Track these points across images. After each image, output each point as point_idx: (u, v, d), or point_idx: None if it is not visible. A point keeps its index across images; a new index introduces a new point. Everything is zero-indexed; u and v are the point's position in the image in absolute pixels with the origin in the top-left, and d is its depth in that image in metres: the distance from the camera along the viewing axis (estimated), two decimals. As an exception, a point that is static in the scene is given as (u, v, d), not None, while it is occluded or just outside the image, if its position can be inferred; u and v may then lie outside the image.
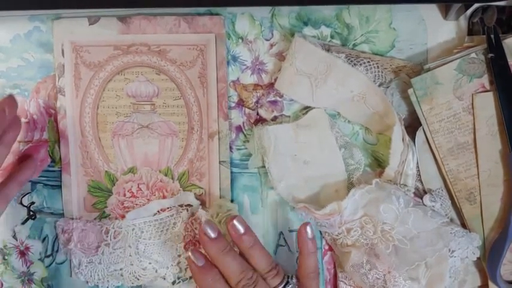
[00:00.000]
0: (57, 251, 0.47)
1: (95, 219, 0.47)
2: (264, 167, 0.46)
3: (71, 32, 0.45)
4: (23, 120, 0.46)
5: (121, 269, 0.45)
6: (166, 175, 0.47)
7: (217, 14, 0.45)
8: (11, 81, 0.46)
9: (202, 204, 0.47)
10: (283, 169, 0.45)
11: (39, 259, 0.48)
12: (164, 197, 0.47)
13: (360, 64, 0.45)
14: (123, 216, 0.46)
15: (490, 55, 0.42)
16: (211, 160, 0.46)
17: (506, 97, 0.42)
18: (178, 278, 0.46)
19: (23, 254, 0.48)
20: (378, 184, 0.43)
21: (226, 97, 0.46)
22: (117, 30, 0.45)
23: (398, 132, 0.43)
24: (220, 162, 0.46)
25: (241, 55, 0.46)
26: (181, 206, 0.46)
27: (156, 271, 0.45)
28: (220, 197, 0.47)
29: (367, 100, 0.45)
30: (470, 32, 0.45)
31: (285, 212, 0.47)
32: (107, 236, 0.45)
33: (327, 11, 0.46)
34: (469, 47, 0.43)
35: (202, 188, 0.47)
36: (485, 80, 0.43)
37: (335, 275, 0.47)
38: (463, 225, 0.45)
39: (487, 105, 0.43)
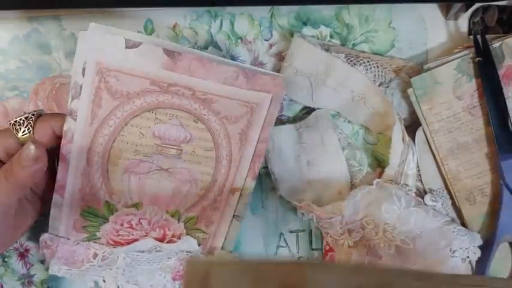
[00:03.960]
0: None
1: (83, 240, 0.43)
2: (265, 167, 0.46)
3: (100, 49, 0.37)
4: None
5: (103, 277, 0.44)
6: (172, 216, 0.43)
7: (278, 75, 0.40)
8: (9, 82, 0.46)
9: (203, 248, 0.44)
10: (286, 170, 0.45)
11: (39, 261, 0.48)
12: (164, 235, 0.43)
13: (360, 64, 0.44)
14: (116, 243, 0.43)
15: (478, 59, 0.42)
16: (225, 213, 0.43)
17: (494, 101, 0.42)
18: None
19: (22, 256, 0.48)
20: (378, 184, 0.43)
21: (262, 158, 0.42)
22: (160, 63, 0.37)
23: (398, 132, 0.43)
24: (234, 216, 0.44)
25: (241, 55, 0.46)
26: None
27: (138, 286, 0.44)
28: (222, 248, 0.45)
29: (367, 100, 0.45)
30: (471, 32, 0.45)
31: (285, 213, 0.47)
32: (94, 259, 0.42)
33: (326, 11, 0.45)
34: (469, 47, 0.43)
35: (206, 234, 0.44)
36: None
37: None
38: (463, 226, 0.45)
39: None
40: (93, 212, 0.42)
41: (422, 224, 0.42)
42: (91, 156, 0.40)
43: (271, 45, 0.46)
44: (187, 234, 0.43)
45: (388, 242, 0.43)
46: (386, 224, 0.43)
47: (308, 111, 0.46)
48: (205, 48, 0.46)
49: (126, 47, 0.37)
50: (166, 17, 0.46)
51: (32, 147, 0.37)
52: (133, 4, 0.43)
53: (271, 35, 0.46)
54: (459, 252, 0.43)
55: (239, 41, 0.46)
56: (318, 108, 0.46)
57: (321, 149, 0.45)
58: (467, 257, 0.43)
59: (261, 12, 0.46)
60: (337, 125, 0.46)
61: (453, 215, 0.45)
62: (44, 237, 0.42)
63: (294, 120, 0.47)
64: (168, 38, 0.46)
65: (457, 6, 0.43)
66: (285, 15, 0.46)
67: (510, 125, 0.42)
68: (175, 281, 0.45)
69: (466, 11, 0.44)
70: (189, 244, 0.43)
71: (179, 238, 0.43)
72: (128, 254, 0.42)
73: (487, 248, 0.43)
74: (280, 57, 0.46)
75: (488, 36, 0.43)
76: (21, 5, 0.42)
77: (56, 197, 0.41)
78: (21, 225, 0.41)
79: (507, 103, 0.42)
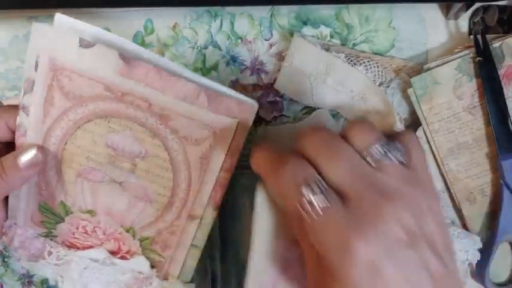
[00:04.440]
0: (57, 252, 0.47)
1: (40, 234, 0.41)
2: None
3: (53, 45, 0.34)
4: None
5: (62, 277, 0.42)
6: (127, 231, 0.40)
7: (247, 100, 0.36)
8: (9, 82, 0.46)
9: (158, 271, 0.42)
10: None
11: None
12: (119, 249, 0.41)
13: (360, 64, 0.44)
14: (71, 245, 0.41)
15: (478, 59, 0.42)
16: (182, 239, 0.40)
17: (494, 101, 0.42)
18: None
19: (23, 256, 0.48)
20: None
21: (224, 189, 0.39)
22: (114, 67, 0.34)
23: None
24: (191, 244, 0.40)
25: (241, 55, 0.46)
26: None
27: None
28: (178, 277, 0.42)
29: (367, 100, 0.45)
30: (471, 32, 0.45)
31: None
32: (49, 257, 0.40)
33: (326, 11, 0.45)
34: (469, 47, 0.43)
35: (162, 258, 0.41)
36: (485, 80, 0.43)
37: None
38: (463, 226, 0.45)
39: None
40: (50, 209, 0.40)
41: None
42: (45, 153, 0.38)
43: (271, 45, 0.46)
44: (143, 253, 0.41)
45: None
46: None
47: (308, 111, 0.46)
48: (205, 48, 0.46)
49: (81, 46, 0.34)
50: (166, 16, 0.46)
51: (35, 152, 0.37)
52: (133, 4, 0.43)
53: (271, 35, 0.46)
54: (459, 254, 0.43)
55: (239, 41, 0.46)
56: (318, 108, 0.46)
57: (321, 149, 0.45)
58: (467, 259, 0.43)
59: (261, 12, 0.46)
60: (337, 124, 0.46)
61: (453, 215, 0.45)
62: (6, 223, 0.41)
63: (294, 120, 0.47)
64: (168, 38, 0.46)
65: (457, 6, 0.43)
66: (285, 15, 0.45)
67: (510, 125, 0.42)
68: None
69: (466, 10, 0.44)
70: (142, 265, 0.41)
71: (134, 255, 0.41)
72: (82, 259, 0.41)
73: (487, 248, 0.43)
74: (280, 57, 0.46)
75: (488, 36, 0.43)
76: (21, 5, 0.42)
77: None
78: None
79: (507, 103, 0.42)
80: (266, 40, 0.46)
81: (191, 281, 0.42)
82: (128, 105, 0.36)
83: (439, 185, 0.45)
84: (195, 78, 0.36)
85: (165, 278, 0.42)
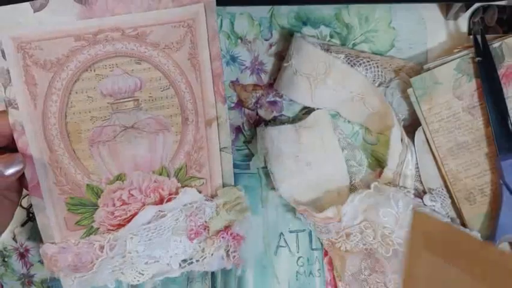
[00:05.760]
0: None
1: (81, 237, 0.40)
2: (265, 167, 0.46)
3: (9, 25, 0.34)
4: None
5: (121, 269, 0.41)
6: (161, 174, 0.40)
7: None
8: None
9: (205, 194, 0.42)
10: (285, 170, 0.45)
11: (39, 261, 0.47)
12: (161, 197, 0.41)
13: (360, 64, 0.44)
14: (116, 226, 0.40)
15: (478, 59, 0.42)
16: (210, 149, 0.41)
17: (493, 101, 0.42)
18: (184, 262, 0.42)
19: (22, 256, 0.48)
20: (376, 188, 0.43)
21: (222, 77, 0.39)
22: (75, 14, 0.34)
23: (396, 133, 0.43)
24: (221, 149, 0.41)
25: (240, 55, 0.46)
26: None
27: (159, 262, 0.42)
28: (223, 185, 0.42)
29: (366, 100, 0.45)
30: (470, 32, 0.45)
31: (285, 213, 0.47)
32: (102, 252, 0.39)
33: (326, 11, 0.45)
34: (469, 47, 0.43)
35: (202, 179, 0.41)
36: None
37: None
38: (463, 226, 0.45)
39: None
40: (79, 202, 0.39)
41: (420, 227, 0.42)
42: (50, 140, 0.37)
43: (271, 45, 0.46)
44: (183, 187, 0.41)
45: (386, 245, 0.42)
46: (384, 227, 0.42)
47: (308, 111, 0.46)
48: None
49: (35, 11, 0.34)
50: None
51: (22, 165, 0.36)
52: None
53: (271, 35, 0.46)
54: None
55: (239, 40, 0.46)
56: (317, 108, 0.46)
57: (320, 150, 0.45)
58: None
59: (261, 12, 0.46)
60: (337, 125, 0.46)
61: (453, 214, 0.45)
62: (43, 249, 0.40)
63: (293, 120, 0.47)
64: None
65: (457, 6, 0.43)
66: (285, 15, 0.45)
67: (510, 125, 0.42)
68: (192, 241, 0.42)
69: (466, 11, 0.44)
70: (190, 195, 0.41)
71: (177, 194, 0.41)
72: (134, 232, 0.40)
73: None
74: (280, 57, 0.46)
75: (488, 36, 0.43)
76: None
77: (34, 200, 0.38)
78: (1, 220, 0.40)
79: (507, 103, 0.42)
80: (266, 40, 0.46)
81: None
82: (103, 43, 0.36)
83: (439, 185, 0.45)
84: None
85: (213, 195, 0.42)
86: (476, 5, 0.44)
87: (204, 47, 0.38)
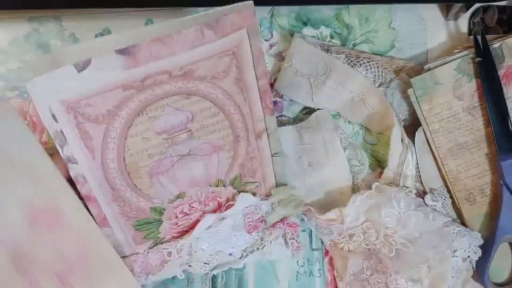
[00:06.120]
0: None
1: (150, 247, 0.42)
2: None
3: (56, 90, 0.34)
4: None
5: (188, 263, 0.43)
6: (217, 186, 0.42)
7: (242, 4, 0.36)
8: (10, 83, 0.46)
9: (260, 195, 0.44)
10: (288, 171, 0.45)
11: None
12: (219, 205, 0.43)
13: (360, 64, 0.44)
14: (180, 233, 0.43)
15: (478, 59, 0.42)
16: (263, 157, 0.42)
17: (493, 101, 0.42)
18: (245, 251, 0.44)
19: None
20: (378, 188, 0.43)
21: (269, 92, 0.40)
22: (120, 66, 0.34)
23: (397, 133, 0.43)
24: (272, 155, 0.43)
25: (241, 56, 0.46)
26: None
27: (222, 252, 0.44)
28: (276, 185, 0.44)
29: (366, 101, 0.45)
30: (471, 32, 0.45)
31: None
32: (170, 256, 0.42)
33: (327, 11, 0.45)
34: (469, 47, 0.43)
35: (256, 182, 0.43)
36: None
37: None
38: (463, 225, 0.45)
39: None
40: (145, 221, 0.41)
41: (422, 226, 0.42)
42: (112, 182, 0.38)
43: (271, 45, 0.46)
44: (239, 192, 0.43)
45: (389, 245, 0.42)
46: (387, 228, 0.43)
47: (308, 111, 0.46)
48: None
49: (79, 71, 0.34)
50: (166, 17, 0.46)
51: None
52: (133, 4, 0.43)
53: (271, 35, 0.46)
54: (460, 252, 0.43)
55: (239, 41, 0.46)
56: (318, 109, 0.46)
57: (322, 150, 0.45)
58: (468, 256, 0.43)
59: (261, 12, 0.46)
60: (338, 125, 0.46)
61: (453, 214, 0.45)
62: None
63: (294, 121, 0.47)
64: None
65: (457, 6, 0.43)
66: (285, 15, 0.46)
67: (510, 125, 0.42)
68: (251, 233, 0.43)
69: (466, 11, 0.44)
70: (246, 199, 0.42)
71: (233, 199, 0.43)
72: (197, 235, 0.42)
73: (487, 248, 0.43)
74: (280, 57, 0.46)
75: (488, 37, 0.43)
76: (21, 5, 0.42)
77: (104, 230, 0.40)
78: None
79: (507, 103, 0.42)
80: (266, 40, 0.46)
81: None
82: (152, 87, 0.36)
83: (439, 185, 0.45)
84: (188, 21, 0.35)
85: (268, 194, 0.44)
86: (477, 5, 0.44)
87: (249, 69, 0.38)
